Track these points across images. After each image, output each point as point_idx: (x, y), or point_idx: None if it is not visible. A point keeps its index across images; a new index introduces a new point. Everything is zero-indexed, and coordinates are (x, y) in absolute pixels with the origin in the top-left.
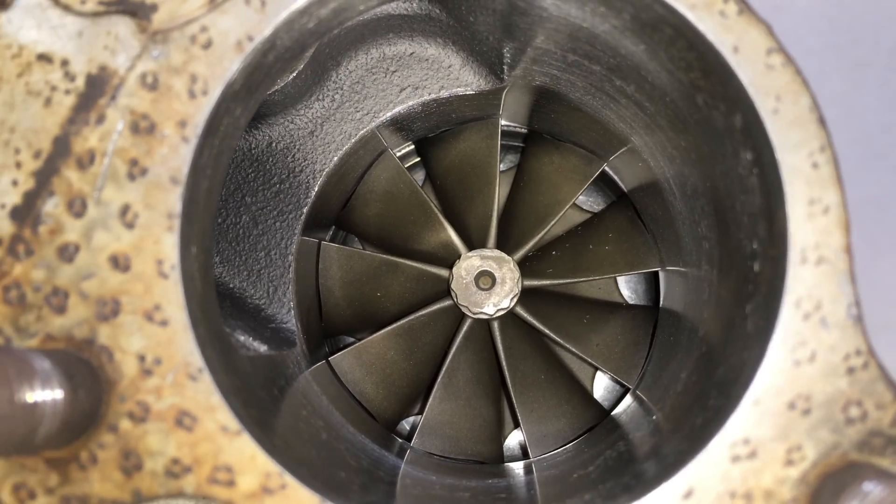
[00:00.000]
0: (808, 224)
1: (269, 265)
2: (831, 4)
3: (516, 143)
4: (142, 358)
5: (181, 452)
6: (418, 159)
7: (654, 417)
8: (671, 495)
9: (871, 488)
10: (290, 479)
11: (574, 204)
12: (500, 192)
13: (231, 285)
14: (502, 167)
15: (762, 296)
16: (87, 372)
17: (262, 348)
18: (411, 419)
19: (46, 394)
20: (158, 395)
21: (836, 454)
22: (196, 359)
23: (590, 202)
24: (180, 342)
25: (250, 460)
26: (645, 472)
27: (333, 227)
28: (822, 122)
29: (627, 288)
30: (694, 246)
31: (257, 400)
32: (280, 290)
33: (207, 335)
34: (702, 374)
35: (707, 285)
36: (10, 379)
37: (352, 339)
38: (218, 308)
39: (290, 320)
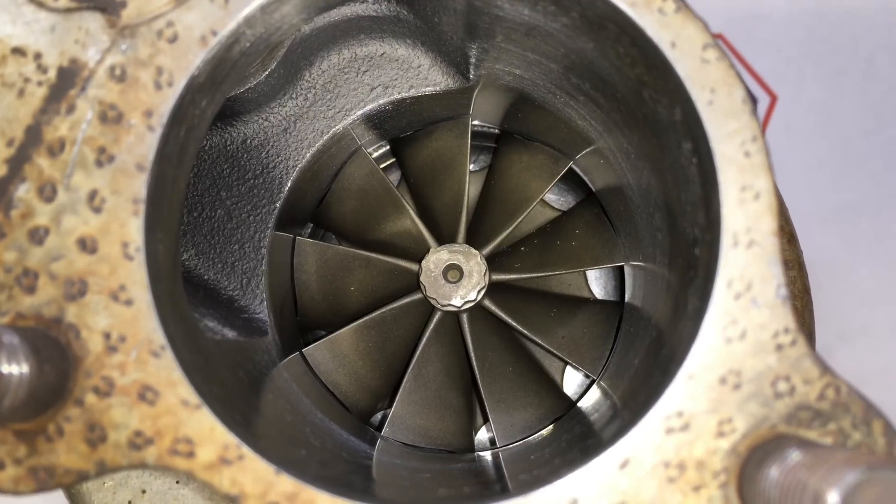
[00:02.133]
0: (740, 209)
1: (242, 258)
2: (810, 14)
3: (489, 144)
4: (107, 335)
5: (144, 425)
6: (394, 159)
7: (610, 402)
8: (608, 465)
9: (792, 453)
10: (247, 451)
11: (545, 202)
12: (471, 190)
13: (206, 277)
14: (475, 167)
15: (700, 279)
16: (54, 348)
17: (232, 334)
18: (383, 413)
19: (13, 367)
20: (122, 370)
21: (765, 427)
22: (159, 336)
23: (561, 201)
24: (144, 321)
25: (209, 432)
26: (589, 447)
27: (311, 225)
28: (753, 113)
29: (597, 284)
30: (650, 239)
31: (220, 379)
32: (253, 282)
33: (172, 315)
34: (650, 356)
35: (661, 276)
36: None
37: (325, 333)
38: (183, 290)
39: (262, 311)
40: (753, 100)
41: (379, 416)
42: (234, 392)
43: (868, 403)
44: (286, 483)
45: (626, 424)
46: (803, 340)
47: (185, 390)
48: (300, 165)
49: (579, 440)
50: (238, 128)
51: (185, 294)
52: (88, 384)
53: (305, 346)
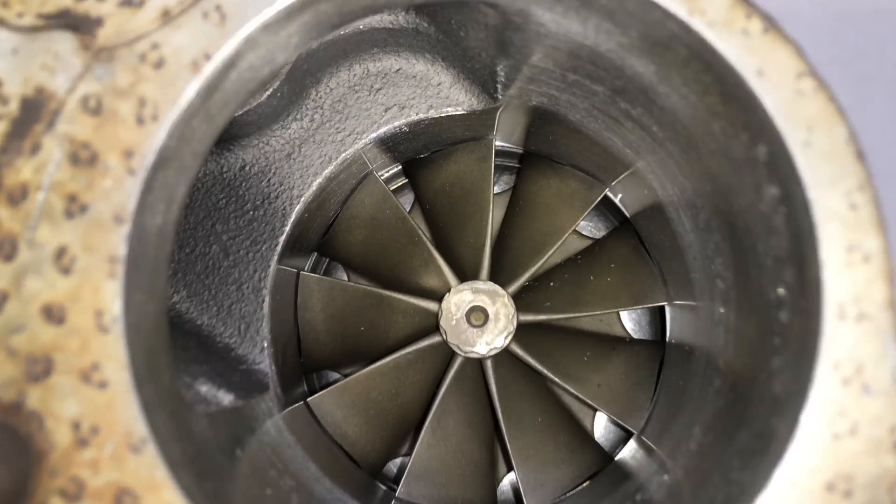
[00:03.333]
0: (847, 274)
1: (240, 300)
2: (835, 18)
3: (512, 164)
4: (76, 426)
5: None
6: (406, 181)
7: (667, 477)
8: None
9: None
10: None
11: (574, 230)
12: (493, 218)
13: (199, 322)
14: (497, 189)
15: (792, 353)
16: (12, 441)
17: (228, 398)
18: (398, 460)
19: None
20: (95, 469)
21: None
22: (140, 427)
23: (590, 227)
24: (121, 407)
25: None
26: None
27: (315, 253)
28: (860, 156)
29: (630, 320)
30: (706, 283)
31: (216, 469)
32: (253, 327)
33: (156, 397)
34: (720, 434)
35: (723, 330)
36: None
37: (334, 376)
38: (170, 362)
39: (263, 361)
40: None
41: (392, 467)
42: (231, 482)
43: None
44: None
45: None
46: None
47: (172, 494)
48: (306, 195)
49: None
50: (236, 153)
51: (173, 365)
52: (54, 486)
53: (311, 395)
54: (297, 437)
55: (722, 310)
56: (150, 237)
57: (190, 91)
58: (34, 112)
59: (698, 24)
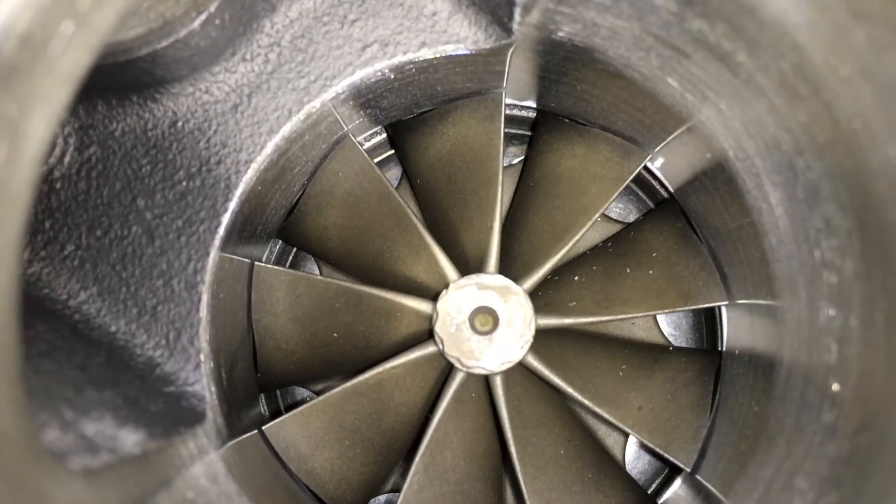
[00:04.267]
0: None
1: (169, 299)
2: None
3: (522, 132)
4: None
5: None
6: (392, 152)
7: None
8: None
9: None
10: None
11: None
12: (503, 196)
13: (112, 329)
14: (506, 161)
15: None
16: None
17: (135, 439)
18: (382, 498)
19: None
20: None
21: None
22: None
23: (618, 209)
24: None
25: None
26: None
27: (279, 242)
28: None
29: (669, 323)
30: (802, 276)
31: None
32: (185, 335)
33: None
34: (849, 488)
35: (834, 339)
36: None
37: (301, 394)
38: (18, 392)
39: (198, 380)
40: None
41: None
42: None
43: None
44: None
45: None
46: None
47: None
48: (258, 160)
49: None
50: (164, 104)
51: (31, 396)
52: None
53: (268, 422)
54: (241, 485)
55: (832, 312)
56: None
57: None
58: None
59: None
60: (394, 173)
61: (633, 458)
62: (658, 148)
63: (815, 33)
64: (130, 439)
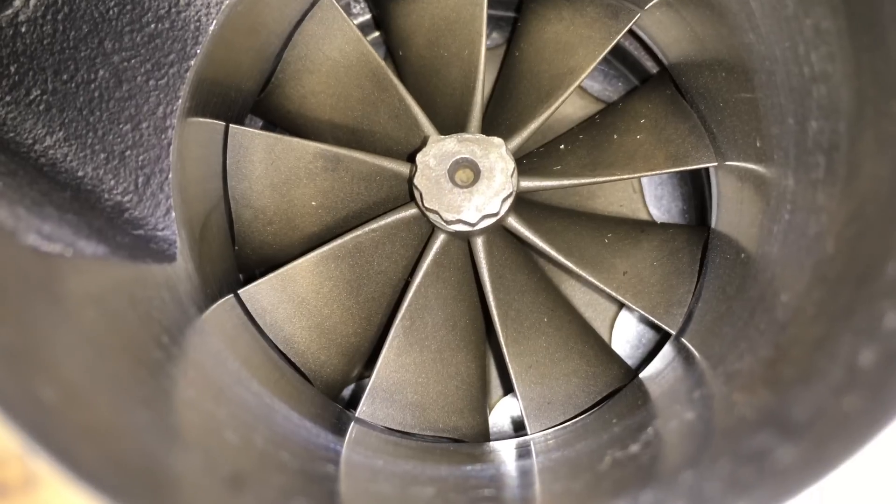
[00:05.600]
0: None
1: (137, 143)
2: None
3: (506, 14)
4: None
5: None
6: (377, 34)
7: (698, 375)
8: None
9: None
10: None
11: (586, 92)
12: (487, 71)
13: (80, 173)
14: (490, 43)
15: None
16: None
17: (95, 250)
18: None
19: None
20: None
21: None
22: None
23: (608, 91)
24: None
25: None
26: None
27: (254, 119)
28: None
29: (658, 207)
30: (791, 102)
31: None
32: (154, 180)
33: None
34: (834, 284)
35: (822, 155)
36: None
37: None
38: None
39: (167, 226)
40: None
41: (351, 389)
42: (58, 349)
43: None
44: None
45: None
46: None
47: None
48: (229, 2)
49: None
50: None
51: None
52: None
53: (242, 286)
54: (221, 337)
55: (821, 124)
56: None
57: None
58: None
59: None
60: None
61: (620, 342)
62: (647, 5)
63: None
64: (89, 248)
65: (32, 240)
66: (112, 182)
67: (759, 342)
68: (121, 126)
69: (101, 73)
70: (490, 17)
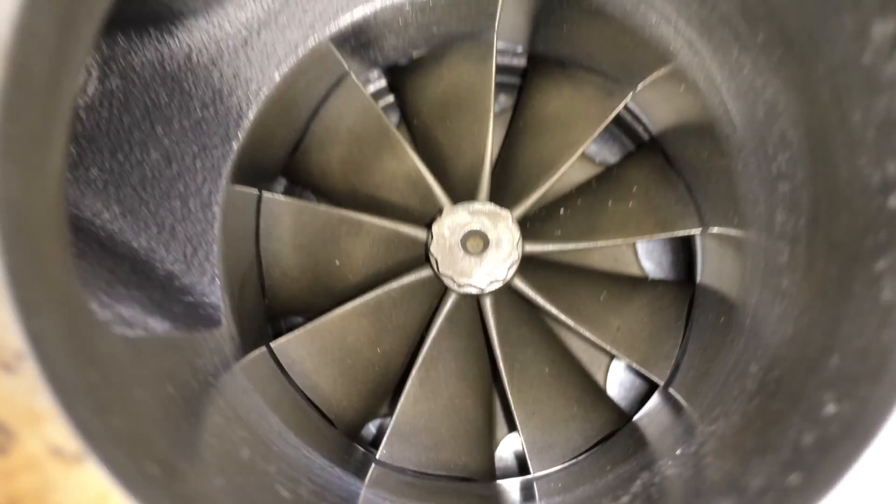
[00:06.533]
0: None
1: (186, 218)
2: None
3: (512, 81)
4: None
5: None
6: (391, 99)
7: (701, 429)
8: None
9: None
10: None
11: (585, 157)
12: (494, 136)
13: (135, 245)
14: (497, 108)
15: None
16: None
17: (163, 327)
18: (378, 421)
19: None
20: None
21: None
22: (12, 337)
23: (604, 153)
24: None
25: (99, 499)
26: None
27: (284, 181)
28: None
29: (649, 259)
30: (760, 193)
31: (129, 404)
32: (201, 251)
33: (43, 299)
34: (792, 367)
35: (786, 244)
36: None
37: (302, 321)
38: (67, 258)
39: (213, 292)
40: None
41: (373, 427)
42: (150, 425)
43: None
44: None
45: (802, 490)
46: None
47: (60, 429)
48: (266, 91)
49: (681, 493)
50: (180, 38)
51: (72, 263)
52: None
53: (274, 338)
54: (257, 385)
55: (783, 217)
56: (34, 84)
57: None
58: None
59: None
60: (392, 119)
61: (617, 387)
62: (639, 87)
63: None
64: (159, 326)
65: (119, 330)
66: (163, 253)
67: (731, 407)
68: (171, 202)
69: (153, 154)
70: (500, 84)
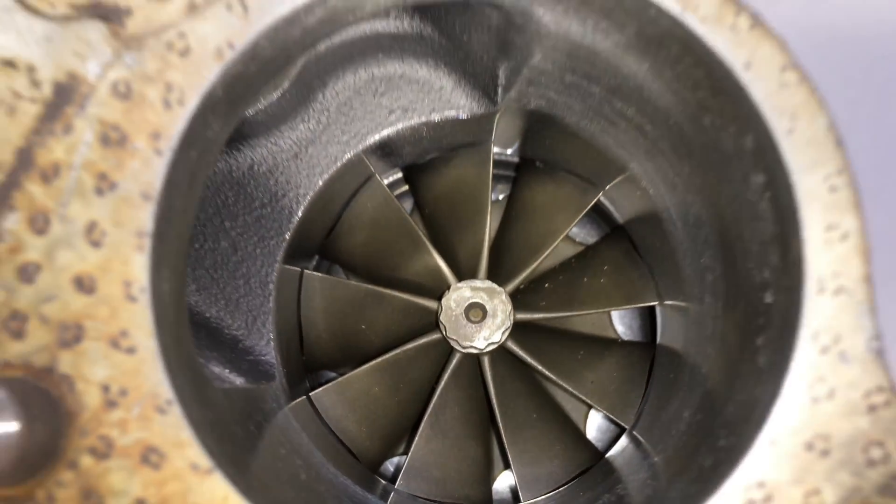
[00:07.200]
0: (826, 251)
1: (248, 294)
2: (821, 43)
3: (508, 174)
4: (106, 388)
5: (147, 492)
6: (406, 188)
7: (653, 460)
8: None
9: None
10: None
11: (567, 237)
12: (491, 222)
13: (207, 314)
14: (494, 197)
15: (775, 328)
16: (45, 403)
17: (239, 381)
18: (395, 460)
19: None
20: (123, 428)
21: (857, 499)
22: (165, 390)
23: (583, 234)
24: (148, 371)
25: (223, 502)
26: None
27: (317, 256)
28: (839, 143)
29: (622, 324)
30: (696, 278)
31: (232, 436)
32: (259, 320)
33: (178, 364)
34: (707, 412)
35: (711, 319)
36: None
37: (334, 375)
38: (191, 335)
39: (269, 353)
40: None
41: (390, 466)
42: (246, 453)
43: None
44: None
45: (698, 495)
46: None
47: (196, 452)
48: (311, 194)
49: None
50: (245, 153)
51: (192, 338)
52: (84, 444)
53: (312, 390)
54: (302, 426)
55: (710, 300)
56: (175, 215)
57: (214, 78)
58: (66, 95)
59: (691, 20)
60: (407, 204)
61: (595, 430)
62: (607, 187)
63: (686, 115)
64: (237, 380)
65: (217, 384)
66: (230, 321)
67: (669, 443)
68: (236, 281)
69: (222, 243)
70: (497, 176)
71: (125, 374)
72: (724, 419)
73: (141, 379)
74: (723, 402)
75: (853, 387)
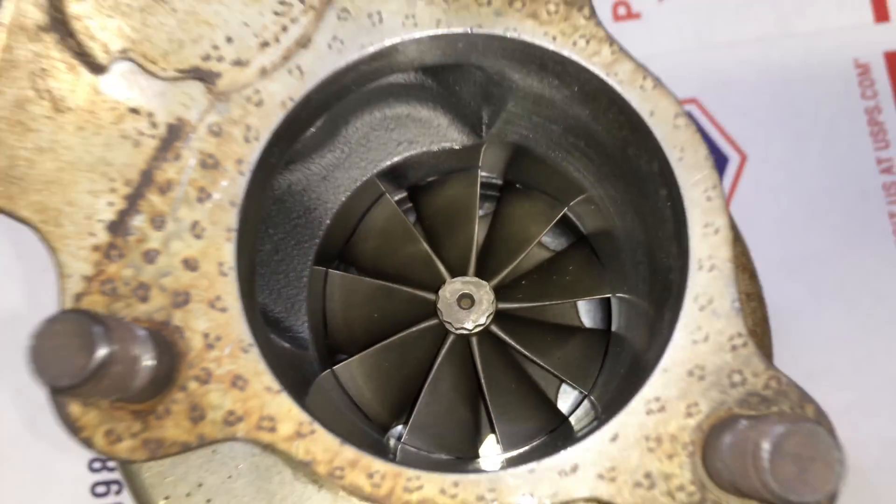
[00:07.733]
0: (704, 241)
1: (287, 285)
2: (776, 82)
3: (494, 193)
4: (206, 336)
5: (235, 406)
6: (410, 205)
7: (598, 411)
8: (602, 439)
9: (741, 425)
10: (318, 427)
11: (542, 244)
12: (478, 231)
13: (258, 299)
14: (482, 212)
15: (674, 297)
16: (165, 345)
17: (286, 346)
18: (398, 429)
19: (146, 358)
20: (218, 363)
21: (723, 409)
22: (247, 337)
23: (554, 242)
24: (235, 324)
25: (287, 412)
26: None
27: (337, 260)
28: (714, 167)
29: (587, 316)
30: (633, 271)
31: (287, 374)
32: (296, 306)
33: (254, 320)
34: (633, 366)
35: (641, 305)
36: (128, 341)
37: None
38: (258, 304)
39: (304, 331)
40: (724, 158)
41: (395, 431)
42: (297, 386)
43: (802, 392)
44: (349, 452)
45: (616, 410)
46: (752, 343)
47: (268, 379)
48: (336, 208)
49: (570, 433)
50: (285, 175)
51: (258, 306)
52: (191, 374)
53: (335, 365)
54: (330, 390)
55: (642, 286)
56: (250, 216)
57: (279, 121)
58: (176, 133)
59: (613, 82)
60: (411, 217)
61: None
62: (571, 204)
63: (616, 147)
64: (285, 345)
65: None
66: (273, 306)
67: (608, 396)
68: (278, 276)
69: (267, 246)
70: (485, 196)
71: (219, 325)
72: (641, 366)
73: (230, 329)
74: (643, 355)
75: (721, 333)
